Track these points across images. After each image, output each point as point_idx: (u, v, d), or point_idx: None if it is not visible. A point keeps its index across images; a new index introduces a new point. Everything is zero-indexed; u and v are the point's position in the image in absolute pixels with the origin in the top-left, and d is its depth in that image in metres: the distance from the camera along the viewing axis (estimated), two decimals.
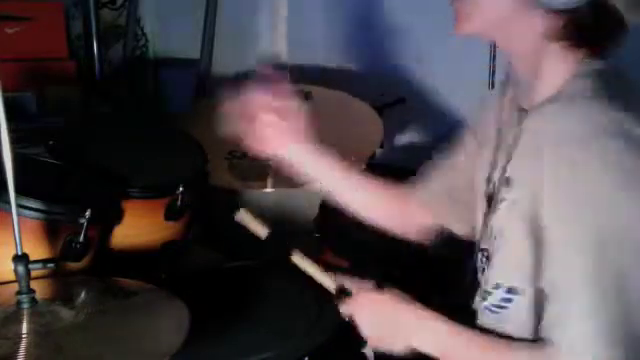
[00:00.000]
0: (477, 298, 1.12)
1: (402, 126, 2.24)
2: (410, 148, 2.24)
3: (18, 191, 1.04)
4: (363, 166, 1.98)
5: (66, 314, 1.07)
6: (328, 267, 1.24)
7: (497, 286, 1.04)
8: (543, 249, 0.94)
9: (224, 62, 2.57)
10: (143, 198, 1.43)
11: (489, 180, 1.14)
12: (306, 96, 2.02)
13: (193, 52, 2.51)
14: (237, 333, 1.26)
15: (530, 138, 1.00)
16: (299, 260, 1.23)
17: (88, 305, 1.10)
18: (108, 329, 1.06)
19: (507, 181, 1.04)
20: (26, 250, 1.06)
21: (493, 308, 1.06)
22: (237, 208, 1.25)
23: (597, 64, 0.99)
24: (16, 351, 0.97)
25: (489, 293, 1.06)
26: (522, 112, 1.06)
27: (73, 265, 1.25)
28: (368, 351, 1.27)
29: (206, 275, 1.52)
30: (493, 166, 1.13)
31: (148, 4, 2.82)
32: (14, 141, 1.00)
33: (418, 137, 2.23)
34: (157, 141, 1.66)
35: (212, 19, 2.48)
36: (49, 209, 1.22)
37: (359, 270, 1.48)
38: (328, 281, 1.21)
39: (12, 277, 1.06)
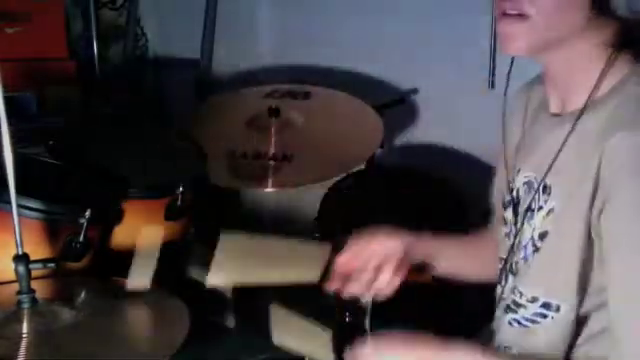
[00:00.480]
0: (498, 312, 1.09)
1: (402, 126, 2.24)
2: (410, 148, 2.24)
3: (18, 191, 1.04)
4: (363, 166, 1.99)
5: (66, 314, 1.07)
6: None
7: (533, 300, 1.00)
8: (602, 245, 0.90)
9: (224, 62, 2.57)
10: (143, 198, 1.43)
11: (510, 187, 1.09)
12: (306, 96, 2.03)
13: (193, 52, 2.51)
14: (237, 333, 1.26)
15: (584, 138, 0.94)
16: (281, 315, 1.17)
17: (88, 305, 1.11)
18: (108, 329, 1.06)
19: (545, 189, 0.99)
20: (26, 250, 1.06)
21: (523, 321, 1.02)
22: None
23: None
24: (16, 351, 0.98)
25: (522, 306, 1.02)
26: (555, 117, 1.02)
27: (73, 265, 1.25)
28: (366, 300, 1.23)
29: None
30: (513, 172, 1.09)
31: (148, 4, 2.82)
32: (14, 141, 1.01)
33: (418, 137, 2.23)
34: (157, 141, 1.66)
35: (212, 19, 2.47)
36: (49, 209, 1.22)
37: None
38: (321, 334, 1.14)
39: (12, 277, 1.06)
